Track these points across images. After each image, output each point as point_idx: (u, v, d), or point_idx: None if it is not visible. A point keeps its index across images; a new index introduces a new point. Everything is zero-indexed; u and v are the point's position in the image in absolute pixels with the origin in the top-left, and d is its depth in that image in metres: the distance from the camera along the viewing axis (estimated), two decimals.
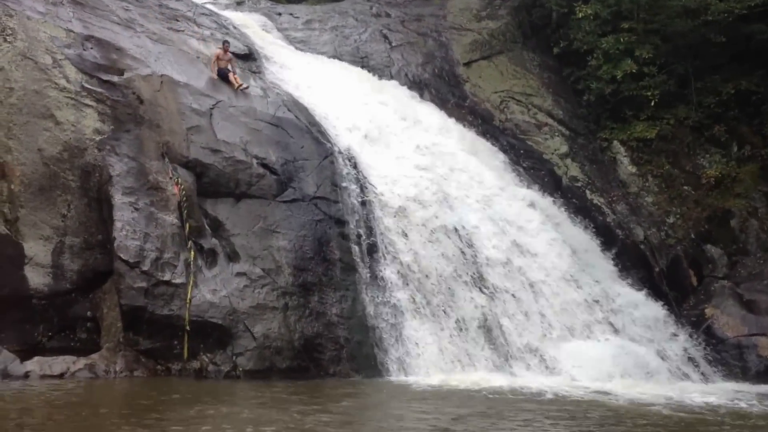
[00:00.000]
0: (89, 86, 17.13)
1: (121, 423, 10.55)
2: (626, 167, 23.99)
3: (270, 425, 10.66)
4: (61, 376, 14.01)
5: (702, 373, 18.92)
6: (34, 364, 14.01)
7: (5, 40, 16.90)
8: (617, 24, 25.24)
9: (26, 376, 13.65)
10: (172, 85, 18.28)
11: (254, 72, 21.34)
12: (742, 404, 15.25)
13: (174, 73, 18.62)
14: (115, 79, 17.65)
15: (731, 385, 18.17)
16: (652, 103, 24.33)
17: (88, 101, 16.95)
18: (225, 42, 20.86)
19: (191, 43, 20.53)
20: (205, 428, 10.22)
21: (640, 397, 15.19)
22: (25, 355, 14.26)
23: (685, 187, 23.43)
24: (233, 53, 21.21)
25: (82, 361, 14.50)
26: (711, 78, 24.74)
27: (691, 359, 19.22)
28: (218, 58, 20.14)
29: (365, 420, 11.81)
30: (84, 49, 17.79)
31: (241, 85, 19.87)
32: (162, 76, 18.28)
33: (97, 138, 16.58)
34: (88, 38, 18.09)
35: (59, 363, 14.26)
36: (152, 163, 16.81)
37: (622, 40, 24.69)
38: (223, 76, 19.95)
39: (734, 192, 22.91)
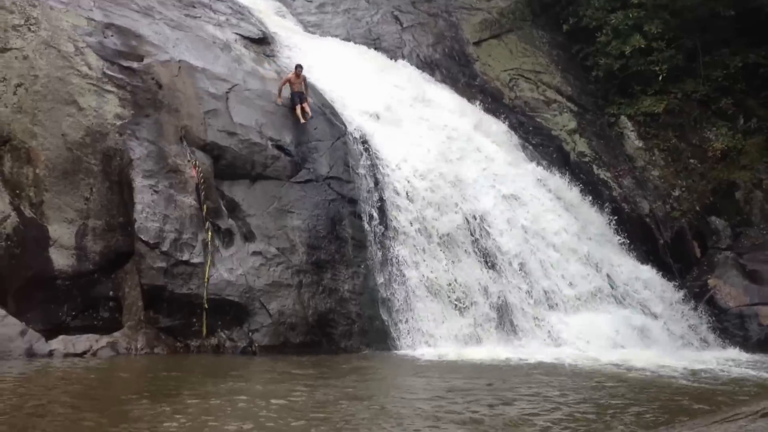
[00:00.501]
0: (110, 72, 17.26)
1: (141, 398, 10.78)
2: (633, 142, 23.94)
3: (281, 398, 10.86)
4: (84, 354, 14.20)
5: (704, 342, 19.01)
6: (58, 343, 14.21)
7: (29, 30, 17.06)
8: None
9: (51, 354, 13.88)
10: (190, 70, 18.39)
11: (268, 56, 21.38)
12: (750, 371, 15.42)
13: (191, 59, 18.72)
14: (135, 65, 17.77)
15: (733, 353, 18.22)
16: (660, 78, 24.24)
17: (109, 87, 17.09)
18: (298, 66, 19.60)
19: (207, 29, 20.58)
20: (219, 402, 10.43)
21: (648, 367, 15.28)
22: (49, 334, 14.46)
23: (691, 161, 23.38)
24: (248, 38, 21.32)
25: (104, 340, 14.70)
26: (719, 52, 24.61)
27: (693, 329, 19.30)
28: (290, 82, 19.35)
29: (373, 392, 11.98)
30: (105, 37, 17.91)
31: (306, 116, 19.05)
32: (180, 61, 18.38)
33: (118, 123, 16.72)
34: (109, 26, 18.20)
35: (83, 341, 14.46)
36: (171, 146, 16.95)
37: (630, 15, 24.56)
38: (292, 101, 19.20)
39: (740, 164, 22.85)
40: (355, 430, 9.14)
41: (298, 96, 19.22)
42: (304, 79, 19.54)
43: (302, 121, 18.89)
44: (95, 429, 8.88)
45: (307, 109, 19.14)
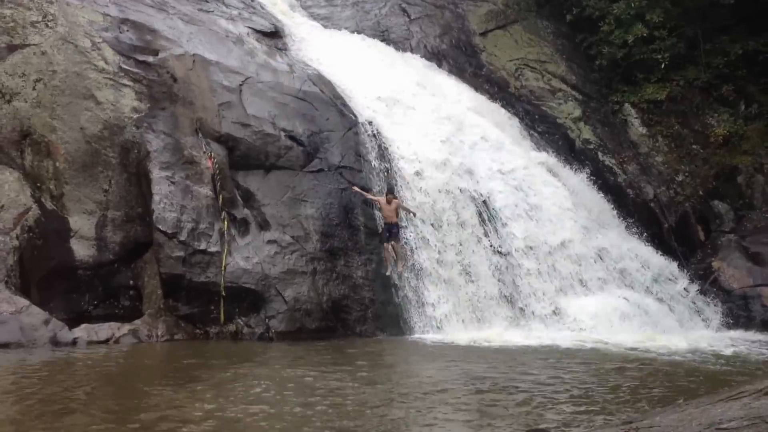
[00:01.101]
0: (126, 67, 17.22)
1: (164, 383, 10.78)
2: (637, 128, 23.84)
3: (298, 382, 10.86)
4: (106, 341, 14.21)
5: (709, 324, 18.95)
6: (81, 331, 14.21)
7: (47, 26, 17.03)
8: None
9: (74, 342, 13.88)
10: (204, 64, 18.31)
11: (280, 49, 21.28)
12: (754, 351, 15.43)
13: (205, 52, 18.65)
14: (150, 59, 17.71)
15: (737, 334, 18.19)
16: (663, 66, 24.14)
17: (125, 81, 17.05)
18: (388, 193, 17.43)
19: (220, 23, 20.49)
20: (239, 386, 10.42)
21: (655, 348, 15.27)
22: (72, 322, 14.48)
23: (694, 146, 23.28)
24: (260, 31, 21.27)
25: (126, 327, 14.70)
26: (719, 39, 24.49)
27: (698, 310, 19.24)
28: (381, 208, 17.55)
29: (385, 377, 11.95)
30: (120, 32, 17.85)
31: (397, 268, 17.09)
32: (194, 55, 18.30)
33: (135, 116, 16.70)
34: (124, 21, 18.14)
35: (105, 329, 14.47)
36: (187, 138, 16.91)
37: (633, 5, 24.40)
38: (380, 236, 17.48)
39: (741, 149, 22.75)
40: (366, 415, 9.11)
41: (388, 230, 17.21)
42: (399, 206, 17.45)
43: (388, 271, 17.05)
44: (123, 412, 8.88)
45: (399, 252, 17.05)
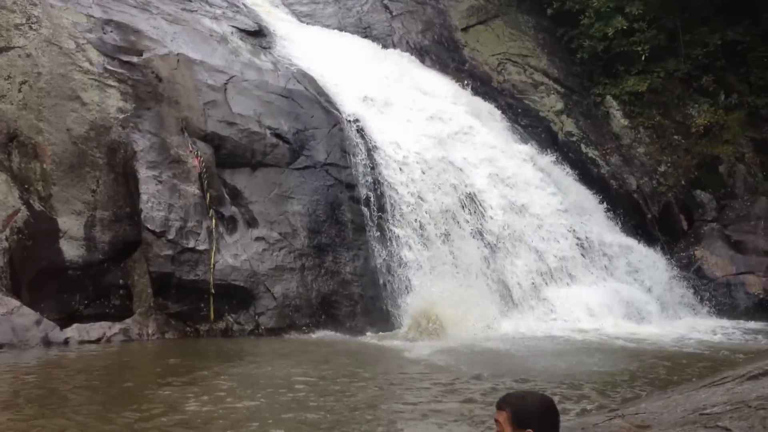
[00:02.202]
0: (111, 67, 17.25)
1: (156, 380, 10.92)
2: (619, 120, 24.04)
3: (288, 377, 11.01)
4: (98, 340, 14.28)
5: (693, 312, 19.17)
6: (73, 331, 14.27)
7: (31, 28, 17.05)
8: None
9: (66, 342, 13.94)
10: (188, 63, 18.37)
11: (264, 47, 21.35)
12: (738, 338, 15.70)
13: (189, 52, 18.70)
14: (135, 59, 17.75)
15: (721, 322, 18.42)
16: (643, 58, 24.29)
17: (110, 82, 17.09)
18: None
19: (204, 23, 20.55)
20: (230, 383, 10.55)
21: (640, 337, 15.52)
22: (63, 322, 14.52)
23: (676, 137, 23.49)
24: (244, 30, 21.37)
25: (117, 326, 14.77)
26: (699, 30, 24.64)
27: (682, 299, 19.46)
28: None
29: (375, 371, 12.10)
30: (104, 33, 17.87)
31: None
32: (178, 54, 18.36)
33: (121, 116, 16.73)
34: (108, 22, 18.16)
35: (96, 329, 14.53)
36: (173, 137, 16.98)
37: None
38: None
39: (722, 139, 22.96)
40: (357, 408, 9.27)
41: None
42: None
43: None
44: (115, 410, 9.01)
45: None
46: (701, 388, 6.15)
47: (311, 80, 20.17)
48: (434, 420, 8.72)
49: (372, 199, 18.14)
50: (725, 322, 18.29)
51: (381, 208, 18.11)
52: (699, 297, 19.47)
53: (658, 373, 11.54)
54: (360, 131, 19.19)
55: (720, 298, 19.41)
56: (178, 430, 8.20)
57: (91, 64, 17.10)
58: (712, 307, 19.20)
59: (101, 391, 10.35)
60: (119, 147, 16.48)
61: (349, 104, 20.00)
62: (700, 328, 17.29)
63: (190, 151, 16.88)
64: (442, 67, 25.01)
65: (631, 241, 20.77)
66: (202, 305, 15.61)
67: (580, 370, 11.79)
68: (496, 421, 3.60)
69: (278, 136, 18.16)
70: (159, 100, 17.37)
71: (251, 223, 16.88)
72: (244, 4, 23.41)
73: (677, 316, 18.78)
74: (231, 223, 16.59)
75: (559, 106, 24.36)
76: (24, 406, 9.23)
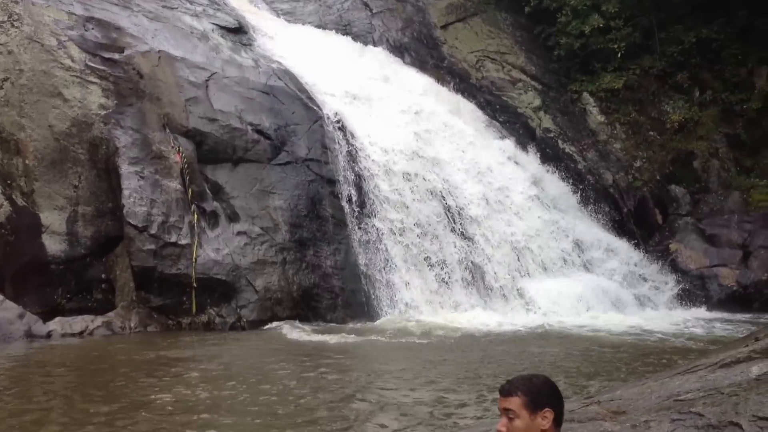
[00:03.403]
0: (92, 64, 17.25)
1: (136, 371, 10.98)
2: (595, 117, 24.24)
3: (268, 368, 11.10)
4: (81, 334, 14.32)
5: (668, 303, 19.37)
6: (55, 324, 14.31)
7: (12, 26, 17.03)
8: None
9: (49, 335, 13.98)
10: (170, 60, 18.40)
11: (245, 44, 21.40)
12: (711, 328, 15.91)
13: (170, 49, 18.73)
14: (116, 56, 17.76)
15: (695, 313, 18.62)
16: (619, 55, 24.50)
17: (92, 78, 17.10)
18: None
19: (185, 20, 20.55)
20: (210, 373, 10.65)
21: (616, 329, 15.66)
22: (46, 316, 14.55)
23: (651, 133, 23.73)
24: (224, 27, 21.39)
25: (99, 320, 14.82)
26: (674, 28, 24.88)
27: (657, 291, 19.66)
28: None
29: (354, 361, 12.22)
30: (86, 30, 17.87)
31: None
32: (159, 51, 18.38)
33: (103, 113, 16.75)
34: (89, 19, 18.16)
35: (79, 322, 14.57)
36: (155, 134, 17.01)
37: None
38: None
39: (697, 135, 23.22)
40: (340, 398, 9.38)
41: None
42: None
43: None
44: (95, 401, 9.09)
45: None
46: (675, 376, 6.23)
47: (292, 77, 20.23)
48: (406, 410, 8.82)
49: (352, 194, 18.25)
50: (698, 313, 18.50)
51: (361, 203, 18.23)
52: (673, 289, 19.66)
53: (633, 363, 11.69)
54: (340, 127, 19.27)
55: (694, 290, 19.63)
56: (158, 421, 8.28)
57: (72, 61, 17.11)
58: (687, 299, 19.41)
59: (81, 382, 10.41)
60: (101, 143, 16.50)
61: (329, 101, 20.10)
62: (675, 319, 17.46)
63: (172, 147, 16.91)
64: (422, 64, 25.13)
65: (607, 235, 21.00)
66: (185, 299, 15.66)
67: (555, 361, 11.94)
68: (506, 410, 3.48)
69: (259, 132, 18.22)
70: (140, 97, 17.39)
71: (233, 217, 16.94)
72: (224, 2, 23.43)
73: (652, 308, 18.98)
74: (213, 218, 16.64)
75: (537, 102, 24.53)
76: (2, 396, 9.28)
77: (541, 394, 3.44)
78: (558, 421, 3.40)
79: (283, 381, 10.20)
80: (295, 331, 15.01)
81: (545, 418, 3.39)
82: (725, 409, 4.80)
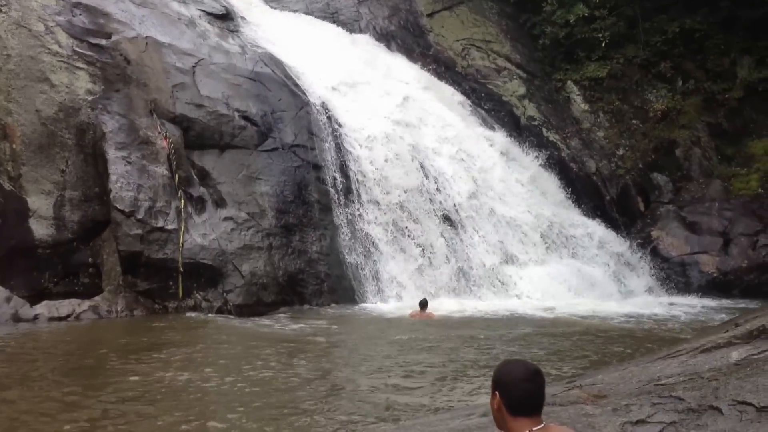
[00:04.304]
0: (80, 50, 17.12)
1: (117, 354, 10.96)
2: (579, 105, 24.29)
3: (247, 354, 11.10)
4: (67, 317, 14.25)
5: (650, 290, 19.47)
6: (42, 308, 14.24)
7: (0, 11, 16.87)
8: None
9: (36, 318, 13.91)
10: (157, 46, 18.27)
11: (232, 31, 21.28)
12: (692, 314, 16.02)
13: (157, 35, 18.60)
14: (103, 42, 17.62)
15: (676, 299, 18.74)
16: (603, 44, 24.57)
17: (79, 64, 16.96)
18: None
19: (172, 6, 20.38)
20: (194, 355, 10.63)
21: (599, 314, 15.73)
22: (33, 300, 14.47)
23: (634, 121, 23.80)
24: (211, 14, 21.24)
25: (86, 304, 14.74)
26: (658, 18, 24.94)
27: (640, 277, 19.75)
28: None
29: (338, 345, 12.22)
30: (73, 16, 17.71)
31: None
32: (147, 37, 18.24)
33: (90, 98, 16.63)
34: (77, 5, 17.99)
35: (65, 306, 14.50)
36: (142, 119, 16.91)
37: None
38: None
39: (679, 124, 23.30)
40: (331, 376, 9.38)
41: None
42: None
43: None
44: (79, 384, 9.07)
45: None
46: (656, 361, 6.27)
47: (279, 63, 20.15)
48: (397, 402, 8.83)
49: (338, 179, 18.23)
50: (680, 299, 18.63)
51: (347, 189, 18.21)
52: (655, 275, 19.77)
53: (616, 348, 11.74)
54: (327, 114, 19.23)
55: (675, 276, 19.75)
56: (140, 404, 8.26)
57: (60, 46, 16.96)
58: (668, 285, 19.53)
59: (66, 365, 10.39)
60: (88, 128, 16.37)
61: (316, 87, 20.03)
62: (656, 305, 17.58)
63: (159, 133, 16.82)
64: (408, 52, 25.08)
65: (590, 222, 21.06)
66: (171, 283, 15.59)
67: (539, 345, 11.97)
68: None
69: (246, 118, 18.14)
70: (128, 83, 17.27)
71: (220, 203, 16.87)
72: None
73: (634, 294, 19.09)
74: (200, 204, 16.57)
75: (522, 90, 24.55)
76: None
77: (495, 376, 3.46)
78: (513, 408, 3.37)
79: (264, 366, 10.19)
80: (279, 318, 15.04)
81: (494, 401, 3.41)
82: (705, 393, 4.83)
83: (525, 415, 3.33)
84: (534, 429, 3.30)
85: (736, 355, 5.42)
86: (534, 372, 3.38)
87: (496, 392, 3.39)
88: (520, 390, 3.34)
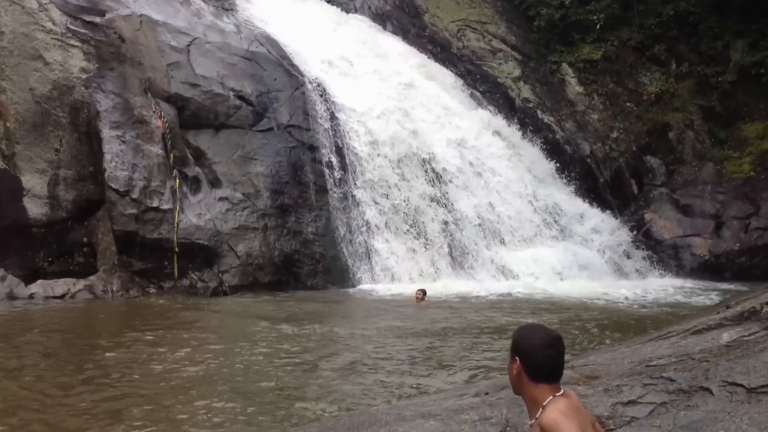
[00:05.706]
0: (74, 28, 17.06)
1: (110, 331, 11.03)
2: (574, 87, 24.28)
3: (249, 329, 11.17)
4: (62, 296, 14.32)
5: (642, 272, 19.54)
6: (37, 287, 14.31)
7: None
8: None
9: (31, 297, 13.99)
10: (151, 24, 18.22)
11: (227, 9, 21.23)
12: (684, 296, 16.09)
13: (152, 13, 18.55)
14: (98, 20, 17.56)
15: (669, 281, 18.81)
16: (598, 27, 24.51)
17: (73, 42, 16.91)
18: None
19: None
20: (188, 334, 10.70)
21: (592, 296, 15.82)
22: (28, 279, 14.56)
23: (628, 104, 23.81)
24: None
25: (81, 283, 14.80)
26: (652, 1, 24.89)
27: (632, 260, 19.82)
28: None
29: (334, 323, 12.30)
30: None
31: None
32: (141, 15, 18.20)
33: (84, 76, 16.60)
34: None
35: (60, 285, 14.56)
36: (136, 98, 16.89)
37: None
38: None
39: (672, 106, 23.31)
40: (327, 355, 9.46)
41: None
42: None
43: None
44: (72, 364, 9.14)
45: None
46: (648, 342, 6.33)
47: (274, 43, 20.11)
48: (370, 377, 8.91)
49: (334, 160, 18.26)
50: (672, 281, 18.70)
51: (343, 170, 18.24)
52: (648, 258, 19.84)
53: (608, 329, 11.83)
54: (322, 94, 19.22)
55: (668, 259, 19.81)
56: (138, 382, 8.34)
57: (53, 24, 16.91)
58: (661, 268, 19.59)
59: (60, 343, 10.47)
60: (82, 107, 16.36)
61: (311, 68, 20.00)
62: (649, 287, 17.64)
63: (154, 112, 16.82)
64: (403, 33, 25.02)
65: (584, 204, 21.12)
66: (166, 263, 15.65)
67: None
68: None
69: (241, 98, 18.14)
70: (122, 61, 17.23)
71: (215, 183, 16.90)
72: None
73: (628, 276, 19.16)
74: (195, 183, 16.60)
75: (517, 72, 24.52)
76: None
77: (515, 342, 3.48)
78: (533, 374, 3.41)
79: (258, 347, 10.27)
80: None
81: (514, 366, 3.44)
82: (696, 374, 4.90)
83: (546, 381, 3.37)
84: (556, 395, 3.34)
85: (726, 336, 5.49)
86: (555, 338, 3.39)
87: (516, 358, 3.42)
88: (541, 356, 3.36)
